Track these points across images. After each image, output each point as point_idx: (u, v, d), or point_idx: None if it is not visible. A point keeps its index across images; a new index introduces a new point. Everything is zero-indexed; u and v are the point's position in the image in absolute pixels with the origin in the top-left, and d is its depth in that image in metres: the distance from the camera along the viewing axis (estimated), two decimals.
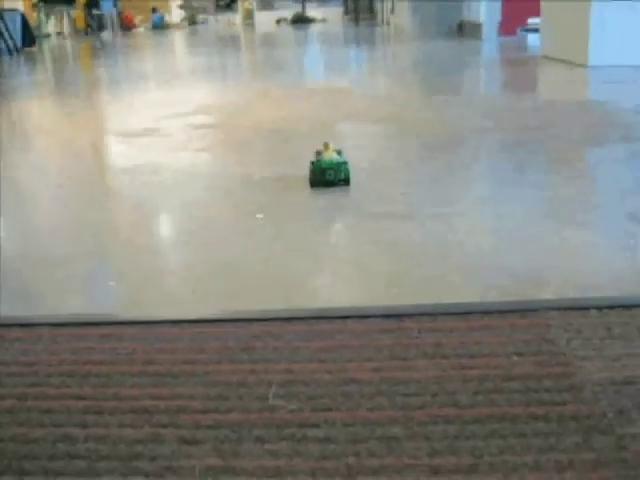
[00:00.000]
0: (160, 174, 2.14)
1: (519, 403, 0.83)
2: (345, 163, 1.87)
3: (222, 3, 15.97)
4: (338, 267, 1.30)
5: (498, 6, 7.06)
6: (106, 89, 4.70)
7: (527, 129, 2.55)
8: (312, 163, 1.89)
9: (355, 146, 2.36)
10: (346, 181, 1.87)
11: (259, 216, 1.63)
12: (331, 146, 1.91)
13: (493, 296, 1.13)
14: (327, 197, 1.79)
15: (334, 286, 1.22)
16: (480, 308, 1.07)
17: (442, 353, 0.95)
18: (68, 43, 9.91)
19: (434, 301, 1.11)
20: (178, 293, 1.23)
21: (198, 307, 1.16)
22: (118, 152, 2.63)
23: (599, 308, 1.04)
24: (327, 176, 1.85)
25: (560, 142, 2.35)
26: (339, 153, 1.91)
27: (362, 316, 1.06)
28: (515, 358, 0.92)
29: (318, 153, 1.90)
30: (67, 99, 4.26)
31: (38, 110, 3.87)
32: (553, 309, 1.05)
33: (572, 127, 2.57)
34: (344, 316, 1.06)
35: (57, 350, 1.01)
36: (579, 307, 1.05)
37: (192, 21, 14.54)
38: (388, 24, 10.51)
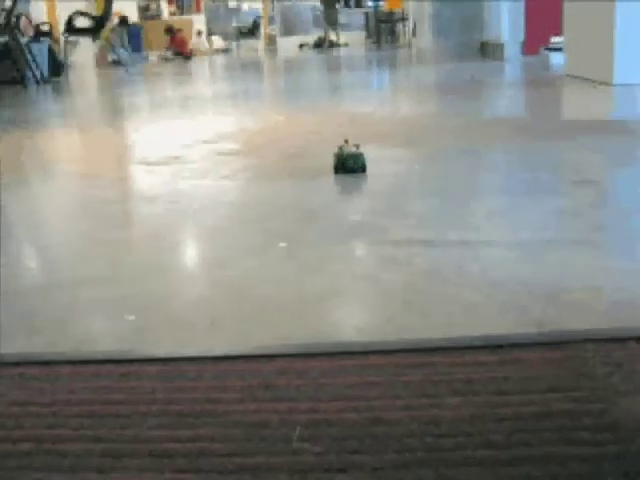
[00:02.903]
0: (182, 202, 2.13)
1: (555, 443, 0.78)
2: (362, 154, 2.28)
3: (245, 30, 16.11)
4: None
5: (521, 25, 7.03)
6: (129, 116, 4.73)
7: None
8: (335, 155, 2.29)
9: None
10: (363, 169, 2.27)
11: (282, 244, 1.61)
12: (350, 142, 2.31)
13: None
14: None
15: None
16: (511, 340, 1.03)
17: (473, 390, 0.91)
18: (94, 73, 10.04)
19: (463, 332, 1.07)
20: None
21: (218, 342, 1.13)
22: (143, 180, 2.63)
23: (639, 339, 1.00)
24: (347, 164, 2.26)
25: None
26: (357, 147, 2.30)
27: (388, 351, 1.02)
28: (550, 395, 0.88)
29: (340, 147, 2.30)
30: (90, 127, 4.29)
31: (60, 139, 3.89)
32: (589, 340, 1.00)
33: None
34: (369, 351, 1.02)
35: (75, 389, 0.99)
36: (617, 338, 1.00)
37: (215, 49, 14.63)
38: (410, 46, 10.52)
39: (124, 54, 10.68)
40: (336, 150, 2.30)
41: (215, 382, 0.97)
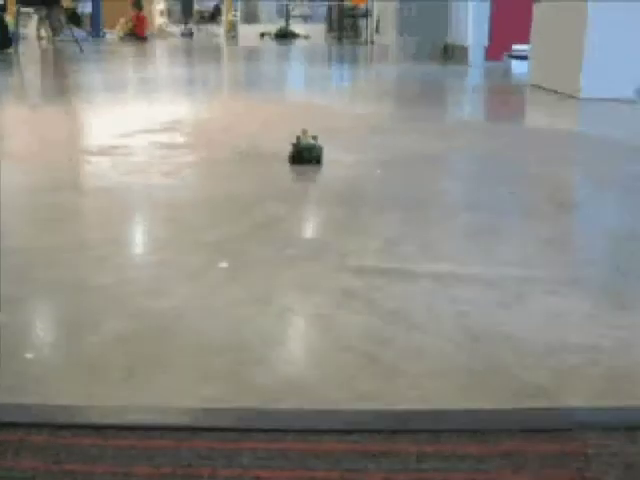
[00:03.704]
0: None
1: None
2: (318, 146, 2.30)
3: (205, 15, 15.74)
4: None
5: (486, 30, 6.90)
6: (73, 96, 4.42)
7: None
8: (293, 145, 2.30)
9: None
10: (318, 160, 2.29)
11: (223, 265, 1.38)
12: (308, 133, 2.31)
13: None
14: None
15: None
16: (496, 422, 0.83)
17: None
18: (45, 47, 9.59)
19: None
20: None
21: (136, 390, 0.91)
22: (69, 171, 2.37)
23: None
24: (303, 155, 2.28)
25: None
26: (314, 139, 2.32)
27: (340, 431, 0.81)
28: None
29: (298, 138, 2.31)
30: (31, 105, 3.98)
31: None
32: (588, 427, 0.81)
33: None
34: (314, 430, 0.81)
35: None
36: (625, 425, 0.81)
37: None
38: (372, 43, 10.33)
39: (80, 34, 10.22)
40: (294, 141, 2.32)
41: (111, 466, 0.75)
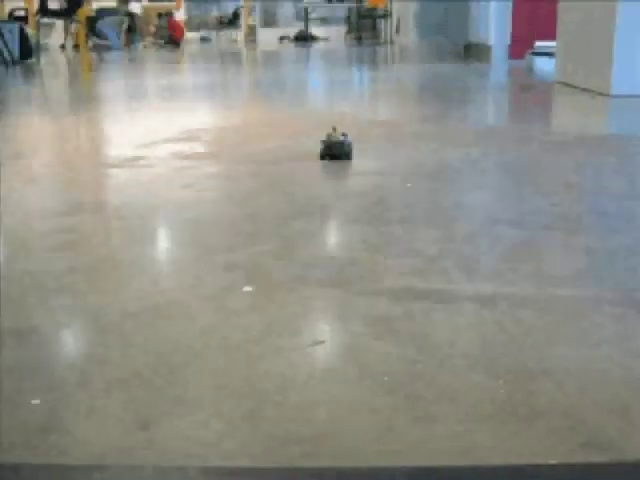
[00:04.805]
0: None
1: None
2: (349, 143, 2.41)
3: (225, 20, 15.73)
4: None
5: (508, 28, 6.78)
6: (92, 106, 4.38)
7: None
8: (322, 142, 2.42)
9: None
10: (348, 156, 2.40)
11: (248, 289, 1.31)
12: (338, 129, 2.42)
13: None
14: None
15: None
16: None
17: None
18: (67, 57, 9.62)
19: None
20: None
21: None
22: (88, 186, 2.31)
23: None
24: (333, 151, 2.39)
25: None
26: (345, 136, 2.42)
27: None
28: None
29: (328, 135, 2.42)
30: (54, 116, 3.94)
31: (18, 128, 3.55)
32: None
33: None
34: None
35: None
36: None
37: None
38: (392, 43, 10.23)
39: (114, 38, 10.33)
40: (324, 138, 2.42)
41: None
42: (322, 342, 1.09)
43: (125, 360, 1.04)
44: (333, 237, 1.74)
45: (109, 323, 1.17)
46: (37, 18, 10.34)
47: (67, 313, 1.24)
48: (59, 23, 11.39)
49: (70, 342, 1.17)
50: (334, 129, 2.42)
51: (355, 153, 2.40)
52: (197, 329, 1.14)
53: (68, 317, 1.23)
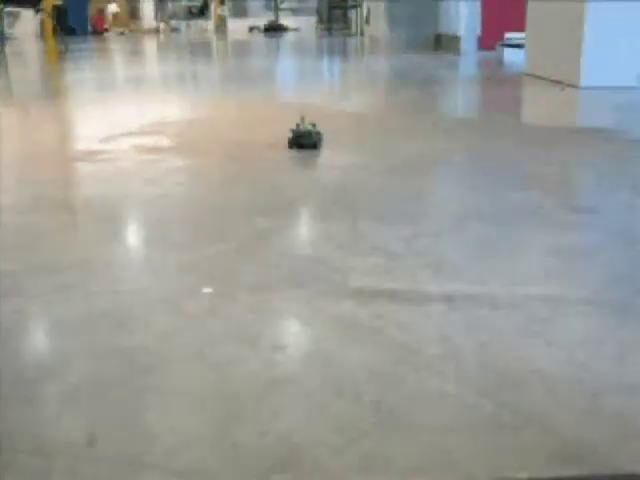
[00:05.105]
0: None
1: None
2: (317, 133, 2.43)
3: (194, 10, 15.54)
4: None
5: (478, 20, 6.77)
6: (55, 97, 4.27)
7: None
8: (292, 130, 2.43)
9: None
10: (315, 146, 2.41)
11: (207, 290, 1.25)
12: (306, 119, 2.45)
13: None
14: None
15: None
16: None
17: None
18: (32, 46, 9.42)
19: None
20: None
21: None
22: (47, 180, 2.24)
23: None
24: (301, 140, 2.41)
25: None
26: (313, 126, 2.45)
27: None
28: None
29: (297, 125, 2.44)
30: (16, 107, 3.84)
31: None
32: None
33: None
34: None
35: None
36: None
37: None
38: (362, 35, 10.17)
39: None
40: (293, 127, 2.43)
41: None
42: (284, 347, 1.05)
43: (70, 369, 0.99)
44: (299, 234, 1.69)
45: (53, 329, 1.11)
46: (1, 7, 10.12)
47: (7, 318, 1.17)
48: (26, 13, 11.17)
49: (8, 352, 1.11)
50: (302, 119, 2.45)
51: (324, 143, 2.38)
52: (152, 334, 1.09)
53: (10, 322, 1.16)
